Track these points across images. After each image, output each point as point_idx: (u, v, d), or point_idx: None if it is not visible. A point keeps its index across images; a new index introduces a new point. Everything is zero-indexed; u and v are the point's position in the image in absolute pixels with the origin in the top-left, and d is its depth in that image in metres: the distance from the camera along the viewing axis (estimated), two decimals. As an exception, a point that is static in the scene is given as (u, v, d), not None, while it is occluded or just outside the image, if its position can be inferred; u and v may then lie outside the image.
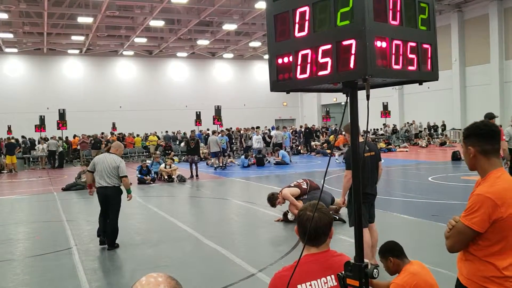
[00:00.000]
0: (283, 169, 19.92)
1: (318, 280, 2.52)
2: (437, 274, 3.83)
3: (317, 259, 2.58)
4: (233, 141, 28.88)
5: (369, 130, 34.58)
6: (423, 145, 29.85)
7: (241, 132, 29.98)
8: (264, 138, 25.14)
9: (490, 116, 9.78)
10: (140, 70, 41.48)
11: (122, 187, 7.76)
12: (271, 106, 43.58)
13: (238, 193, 14.13)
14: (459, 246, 2.63)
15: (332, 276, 2.53)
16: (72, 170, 23.21)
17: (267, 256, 6.82)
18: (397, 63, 2.01)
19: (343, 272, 2.25)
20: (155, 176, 17.13)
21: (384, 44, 1.94)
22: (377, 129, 34.32)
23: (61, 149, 26.04)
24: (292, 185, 9.31)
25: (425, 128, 33.34)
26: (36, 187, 17.07)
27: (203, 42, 36.97)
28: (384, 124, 32.73)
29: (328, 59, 2.00)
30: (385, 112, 30.67)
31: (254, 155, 22.66)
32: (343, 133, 12.22)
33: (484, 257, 2.55)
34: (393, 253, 3.73)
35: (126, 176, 7.66)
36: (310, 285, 2.50)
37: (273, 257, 6.65)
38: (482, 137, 2.62)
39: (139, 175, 16.67)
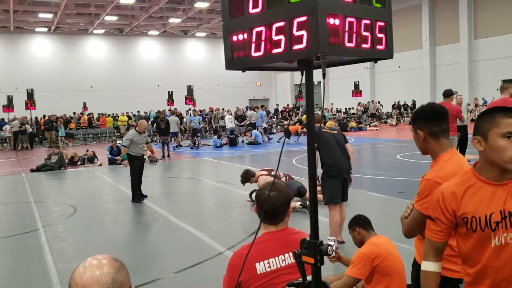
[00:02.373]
0: (256, 149, 19.96)
1: (276, 258, 2.55)
2: (403, 249, 3.93)
3: (275, 237, 2.60)
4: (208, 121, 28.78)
5: (339, 109, 34.87)
6: (392, 124, 30.31)
7: (214, 112, 29.83)
8: (236, 118, 25.10)
9: (447, 93, 9.77)
10: (111, 49, 40.59)
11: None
12: (245, 86, 43.40)
13: (210, 173, 14.12)
14: (415, 231, 2.66)
15: (290, 253, 2.56)
16: (41, 151, 22.74)
17: (237, 234, 6.86)
18: (350, 40, 1.98)
19: (299, 249, 2.27)
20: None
21: (337, 21, 1.92)
22: (349, 108, 34.62)
23: (30, 129, 25.43)
24: (267, 173, 9.07)
25: (396, 107, 33.74)
26: (4, 168, 16.67)
27: (174, 21, 36.37)
28: (359, 103, 32.98)
29: (281, 37, 1.97)
30: (357, 91, 30.90)
31: (227, 135, 22.63)
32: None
33: None
34: (359, 223, 3.83)
35: (122, 145, 9.52)
36: (268, 262, 2.53)
37: (242, 235, 6.70)
38: (428, 119, 2.61)
39: (109, 156, 16.46)
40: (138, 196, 9.45)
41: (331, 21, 1.89)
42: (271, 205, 2.58)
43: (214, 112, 29.78)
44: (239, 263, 2.47)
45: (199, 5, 30.88)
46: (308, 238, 2.24)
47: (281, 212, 2.62)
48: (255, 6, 2.06)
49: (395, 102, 33.88)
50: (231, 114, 25.11)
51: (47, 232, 7.43)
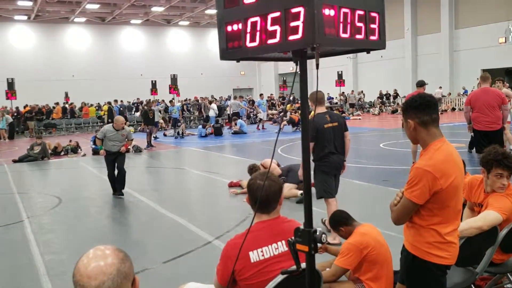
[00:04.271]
0: (241, 138, 19.97)
1: (269, 246, 2.58)
2: (388, 237, 3.99)
3: (268, 226, 2.64)
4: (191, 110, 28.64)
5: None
6: (375, 113, 30.56)
7: (200, 101, 29.69)
8: (219, 108, 25.10)
9: (421, 83, 10.35)
10: (93, 37, 39.91)
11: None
12: (229, 75, 43.21)
13: (195, 163, 14.10)
14: (404, 218, 2.71)
15: (283, 241, 2.60)
16: (23, 141, 22.40)
17: (223, 223, 6.89)
18: (345, 31, 2.01)
19: (293, 237, 2.30)
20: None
21: (332, 12, 1.94)
22: (332, 98, 34.79)
23: (11, 119, 24.99)
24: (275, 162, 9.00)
25: (378, 96, 34.02)
26: (-16, 160, 16.39)
27: (157, 9, 35.92)
28: (343, 93, 33.13)
29: (277, 27, 1.98)
30: (340, 81, 31.02)
31: (212, 125, 22.58)
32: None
33: (427, 226, 2.65)
34: (341, 222, 3.85)
35: (96, 137, 9.66)
36: (261, 251, 2.56)
37: (229, 224, 6.72)
38: (418, 108, 2.66)
39: (93, 146, 16.28)
40: (114, 192, 9.11)
41: (327, 11, 1.91)
42: (264, 194, 2.61)
43: (204, 100, 29.67)
44: (232, 252, 2.50)
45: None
46: (302, 227, 2.28)
47: (273, 201, 2.66)
48: (250, -4, 2.06)
49: (380, 91, 34.11)
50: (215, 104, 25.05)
51: (32, 223, 7.36)
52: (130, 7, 34.47)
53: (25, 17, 36.18)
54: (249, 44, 2.10)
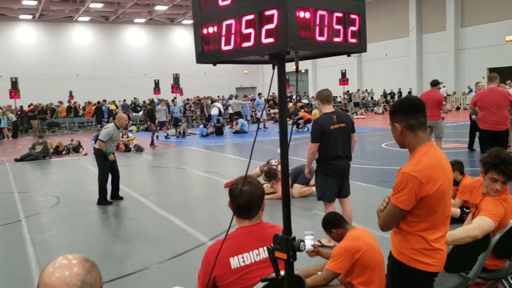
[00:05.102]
0: (242, 138, 19.93)
1: (250, 252, 2.54)
2: (384, 239, 3.92)
3: (250, 232, 2.59)
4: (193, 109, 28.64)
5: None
6: (379, 112, 30.42)
7: (202, 101, 29.66)
8: (219, 108, 25.12)
9: (434, 83, 10.36)
10: (96, 36, 40.05)
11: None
12: (232, 75, 43.15)
13: (196, 162, 14.07)
14: (390, 224, 2.66)
15: (265, 247, 2.55)
16: (27, 140, 22.46)
17: (220, 225, 6.84)
18: (321, 34, 1.95)
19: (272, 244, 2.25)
20: (112, 145, 16.78)
21: (307, 15, 1.88)
22: (335, 97, 34.66)
23: (14, 118, 25.09)
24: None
25: (382, 95, 33.88)
26: (-13, 159, 16.46)
27: (161, 8, 35.95)
28: (347, 91, 33.01)
29: (251, 30, 1.92)
30: (344, 79, 30.91)
31: (213, 124, 22.56)
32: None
33: (414, 232, 2.59)
34: (333, 224, 3.81)
35: (100, 140, 8.42)
36: (242, 257, 2.52)
37: (225, 226, 6.66)
38: (405, 112, 2.60)
39: (95, 145, 16.30)
40: (105, 200, 8.41)
41: (301, 14, 1.85)
42: (245, 200, 2.56)
43: (206, 100, 29.64)
44: (212, 258, 2.46)
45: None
46: (281, 233, 2.23)
47: (255, 207, 2.61)
48: (225, -2, 2.01)
49: (384, 90, 33.95)
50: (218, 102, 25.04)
51: (29, 223, 7.36)
52: (133, 6, 34.53)
53: (30, 16, 36.32)
54: (224, 47, 2.04)
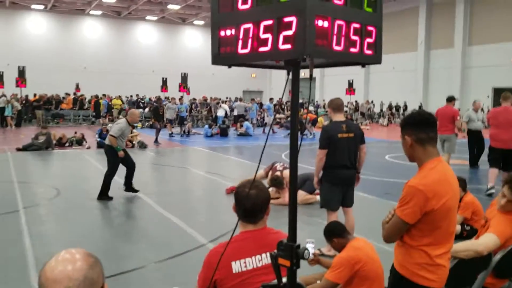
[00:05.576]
0: (246, 141, 19.94)
1: (253, 257, 2.52)
2: (384, 252, 3.92)
3: (254, 236, 2.58)
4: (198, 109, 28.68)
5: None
6: (384, 124, 30.41)
7: (208, 101, 29.69)
8: (225, 110, 25.21)
9: (450, 98, 10.51)
10: (107, 31, 40.22)
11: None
12: (240, 77, 43.25)
13: (198, 163, 14.08)
14: (394, 237, 2.66)
15: (268, 253, 2.53)
16: (30, 130, 22.50)
17: (220, 227, 6.81)
18: (338, 44, 1.95)
19: (276, 251, 2.24)
20: (115, 141, 16.79)
21: (326, 24, 1.88)
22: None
23: (19, 107, 25.13)
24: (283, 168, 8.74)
25: (388, 107, 33.88)
26: (-11, 146, 16.49)
27: (173, 7, 36.08)
28: (356, 101, 32.99)
29: (269, 35, 1.93)
30: (350, 89, 30.93)
31: (218, 125, 22.59)
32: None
33: (417, 246, 2.59)
34: (335, 233, 3.80)
35: (111, 135, 8.26)
36: (244, 262, 2.50)
37: (224, 228, 6.65)
38: (416, 125, 2.62)
39: (99, 139, 16.32)
40: (106, 195, 8.33)
41: (320, 23, 1.86)
42: (250, 204, 2.55)
43: (213, 101, 29.68)
44: (214, 260, 2.45)
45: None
46: (285, 240, 2.22)
47: (260, 211, 2.60)
48: (244, 2, 2.02)
49: (390, 102, 33.93)
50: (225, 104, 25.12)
51: (27, 214, 7.34)
52: (146, 3, 34.68)
53: (42, 7, 36.53)
54: (240, 51, 2.05)
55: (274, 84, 47.21)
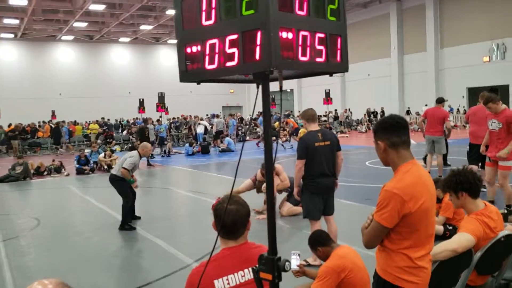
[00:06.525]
0: (228, 157, 19.89)
1: (235, 274, 2.49)
2: (369, 257, 3.90)
3: (235, 252, 2.55)
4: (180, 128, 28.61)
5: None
6: (362, 131, 30.73)
7: (187, 119, 29.62)
8: (205, 126, 25.17)
9: (440, 100, 10.70)
10: (80, 55, 39.95)
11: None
12: (218, 93, 43.31)
13: (181, 182, 13.96)
14: (374, 242, 2.66)
15: (250, 268, 2.50)
16: (7, 160, 22.06)
17: (205, 246, 6.74)
18: (304, 54, 1.97)
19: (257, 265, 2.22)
20: (94, 166, 16.60)
21: (290, 35, 1.90)
22: (320, 116, 34.98)
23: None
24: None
25: (365, 114, 34.27)
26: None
27: (146, 28, 36.06)
28: (335, 110, 33.31)
29: (235, 50, 1.94)
30: (328, 99, 31.23)
31: (199, 143, 22.50)
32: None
33: (398, 250, 2.59)
34: (319, 242, 3.79)
35: (124, 168, 8.07)
36: (227, 279, 2.47)
37: (210, 246, 6.56)
38: (388, 130, 2.63)
39: (77, 165, 16.10)
40: (128, 225, 8.07)
41: (284, 34, 1.88)
42: (230, 219, 2.52)
43: (194, 118, 29.63)
44: (196, 281, 2.41)
45: (170, 12, 30.68)
46: (266, 254, 2.20)
47: (241, 226, 2.57)
48: (208, 18, 2.03)
49: (367, 109, 34.33)
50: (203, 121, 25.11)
51: (7, 246, 7.16)
52: (118, 25, 34.60)
53: (12, 35, 36.11)
54: (208, 66, 2.05)
55: (253, 98, 47.32)
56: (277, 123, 29.01)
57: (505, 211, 6.75)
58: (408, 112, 32.77)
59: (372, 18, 34.90)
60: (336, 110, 34.12)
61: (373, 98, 34.92)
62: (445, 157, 11.08)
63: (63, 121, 29.72)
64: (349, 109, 35.59)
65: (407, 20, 33.15)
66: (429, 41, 31.25)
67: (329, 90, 31.74)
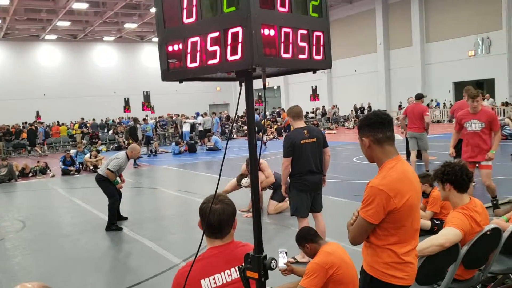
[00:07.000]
0: (216, 155, 19.83)
1: (222, 273, 2.48)
2: (357, 253, 3.91)
3: (221, 252, 2.53)
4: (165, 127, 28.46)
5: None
6: (350, 127, 30.87)
7: (173, 118, 29.48)
8: (192, 125, 25.08)
9: (419, 96, 10.69)
10: (64, 55, 39.51)
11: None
12: (204, 91, 43.17)
13: (168, 182, 13.88)
14: (360, 238, 2.66)
15: (236, 267, 2.49)
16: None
17: (193, 245, 6.71)
18: (286, 51, 1.95)
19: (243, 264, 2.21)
20: (80, 166, 16.44)
21: (272, 32, 1.88)
22: (307, 112, 35.05)
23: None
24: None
25: (352, 110, 34.41)
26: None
27: (130, 26, 35.78)
28: (323, 107, 33.37)
29: (217, 47, 1.92)
30: (314, 95, 31.30)
31: (185, 142, 22.40)
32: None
33: (384, 246, 2.60)
34: (307, 239, 3.79)
35: (109, 169, 7.99)
36: (214, 279, 2.45)
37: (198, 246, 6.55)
38: (372, 126, 2.63)
39: (62, 166, 15.93)
40: (114, 225, 7.99)
41: (266, 31, 1.85)
42: (216, 219, 2.51)
43: (180, 117, 29.49)
44: (182, 281, 2.39)
45: (155, 10, 30.49)
46: (252, 252, 2.19)
47: (227, 225, 2.56)
48: (189, 15, 2.00)
49: (354, 105, 34.47)
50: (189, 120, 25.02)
51: (-11, 250, 7.06)
52: (102, 24, 34.28)
53: (-6, 36, 35.63)
54: (190, 65, 2.03)
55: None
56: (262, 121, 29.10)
57: (492, 203, 6.82)
58: (400, 107, 33.01)
59: (358, 13, 35.02)
60: (323, 106, 34.23)
61: (360, 93, 35.07)
62: (419, 152, 10.99)
63: (40, 122, 29.24)
64: (336, 105, 35.72)
65: (393, 15, 33.32)
66: (414, 35, 31.45)
67: (316, 86, 31.82)
